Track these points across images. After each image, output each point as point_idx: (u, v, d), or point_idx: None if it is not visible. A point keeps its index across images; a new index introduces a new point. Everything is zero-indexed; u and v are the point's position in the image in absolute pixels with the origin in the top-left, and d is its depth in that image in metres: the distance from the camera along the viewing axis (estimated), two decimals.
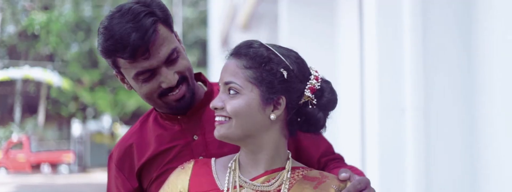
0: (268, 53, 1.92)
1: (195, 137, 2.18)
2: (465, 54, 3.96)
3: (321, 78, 1.99)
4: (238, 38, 12.19)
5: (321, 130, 2.01)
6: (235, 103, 1.90)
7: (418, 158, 3.98)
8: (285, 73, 1.91)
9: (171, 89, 2.09)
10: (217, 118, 1.95)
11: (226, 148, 2.12)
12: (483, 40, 3.81)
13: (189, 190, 2.00)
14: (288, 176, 1.97)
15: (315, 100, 1.96)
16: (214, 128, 1.98)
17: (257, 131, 1.93)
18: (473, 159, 3.93)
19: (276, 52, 1.93)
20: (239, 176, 1.97)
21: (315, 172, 2.02)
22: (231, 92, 1.92)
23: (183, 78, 2.10)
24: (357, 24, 5.77)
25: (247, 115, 1.90)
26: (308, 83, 1.95)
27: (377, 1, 4.12)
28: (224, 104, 1.92)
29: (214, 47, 20.92)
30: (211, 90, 2.23)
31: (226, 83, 1.93)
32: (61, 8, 31.98)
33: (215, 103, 1.94)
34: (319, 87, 1.97)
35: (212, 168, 2.02)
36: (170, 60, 2.07)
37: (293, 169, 2.00)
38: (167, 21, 2.08)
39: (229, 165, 2.00)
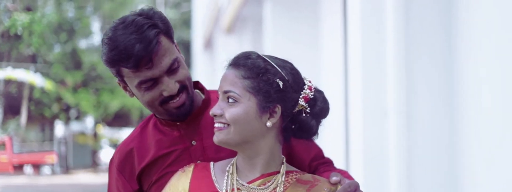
0: (265, 64, 2.03)
1: (194, 142, 2.26)
2: (448, 57, 4.02)
3: (315, 88, 2.11)
4: (222, 40, 12.24)
5: (314, 137, 2.14)
6: (233, 111, 2.01)
7: (401, 160, 4.04)
8: (281, 83, 2.02)
9: (172, 97, 2.17)
10: (216, 125, 2.05)
11: (223, 153, 2.21)
12: (465, 44, 3.88)
13: None
14: (283, 179, 2.08)
15: (309, 108, 2.07)
16: (211, 133, 2.09)
17: (254, 137, 2.03)
18: (455, 161, 4.00)
19: (273, 63, 2.04)
20: (236, 179, 2.08)
21: (307, 176, 2.13)
22: (230, 100, 2.03)
23: (183, 87, 2.19)
24: (341, 27, 5.83)
25: (245, 122, 2.01)
26: (302, 92, 2.06)
27: (361, 4, 4.18)
28: (223, 111, 2.03)
29: (198, 49, 20.88)
30: (209, 98, 2.32)
31: (225, 92, 2.03)
32: (44, 9, 31.75)
33: (214, 110, 2.04)
34: (313, 96, 2.08)
35: (211, 172, 2.13)
36: (171, 69, 2.15)
37: (287, 173, 2.11)
38: (169, 32, 2.16)
39: (227, 168, 2.11)
